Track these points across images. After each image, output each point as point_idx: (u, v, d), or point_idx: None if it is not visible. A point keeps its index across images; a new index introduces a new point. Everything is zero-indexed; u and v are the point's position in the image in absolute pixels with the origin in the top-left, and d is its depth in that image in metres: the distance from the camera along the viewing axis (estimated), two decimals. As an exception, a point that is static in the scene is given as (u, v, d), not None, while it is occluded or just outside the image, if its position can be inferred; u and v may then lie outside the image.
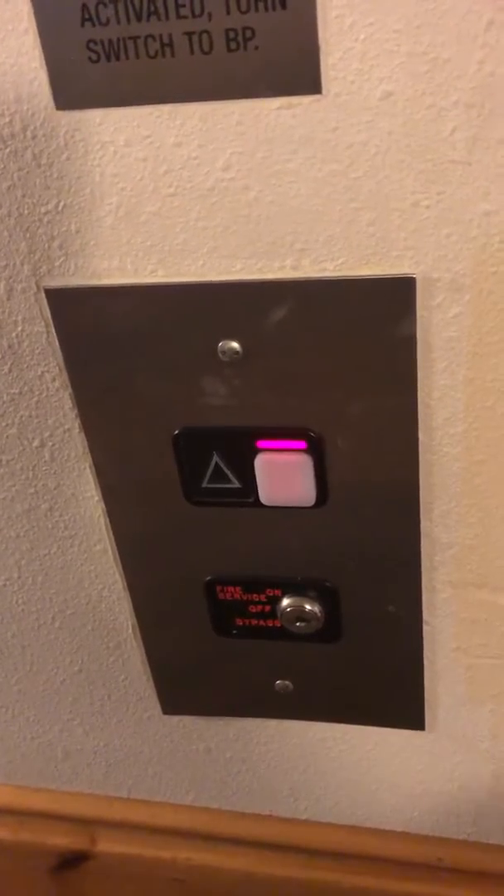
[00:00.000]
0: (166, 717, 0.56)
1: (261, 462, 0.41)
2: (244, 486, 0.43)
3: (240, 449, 0.42)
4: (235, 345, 0.38)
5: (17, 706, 0.58)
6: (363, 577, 0.45)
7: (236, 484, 0.43)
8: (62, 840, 0.63)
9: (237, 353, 0.38)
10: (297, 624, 0.47)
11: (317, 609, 0.46)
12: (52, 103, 0.34)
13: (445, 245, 0.34)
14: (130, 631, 0.51)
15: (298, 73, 0.32)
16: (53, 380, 0.41)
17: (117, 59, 0.32)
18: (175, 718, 0.56)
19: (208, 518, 0.45)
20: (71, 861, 0.63)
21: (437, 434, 0.39)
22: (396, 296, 0.36)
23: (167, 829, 0.62)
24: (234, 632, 0.49)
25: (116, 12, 0.32)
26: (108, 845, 0.63)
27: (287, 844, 0.60)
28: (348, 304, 0.36)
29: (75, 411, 0.42)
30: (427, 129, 0.32)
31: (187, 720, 0.56)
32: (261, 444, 0.41)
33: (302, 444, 0.41)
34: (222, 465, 0.42)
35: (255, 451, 0.41)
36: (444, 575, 0.44)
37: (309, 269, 0.36)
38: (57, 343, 0.40)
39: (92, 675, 0.55)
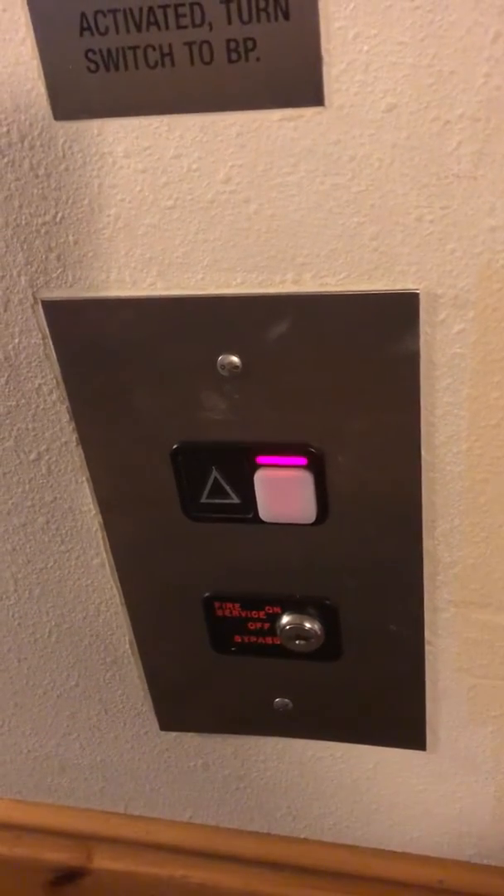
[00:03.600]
0: (164, 732, 0.55)
1: (260, 478, 0.41)
2: (243, 501, 0.42)
3: (239, 464, 0.41)
4: (235, 359, 0.38)
5: (14, 720, 0.58)
6: (364, 596, 0.44)
7: (235, 499, 0.42)
8: (58, 855, 0.62)
9: (237, 367, 0.38)
10: (297, 642, 0.46)
11: (316, 627, 0.46)
12: (50, 113, 0.33)
13: (450, 261, 0.34)
14: (128, 646, 0.51)
15: (301, 85, 0.31)
16: (50, 392, 0.41)
17: (116, 68, 0.32)
18: (172, 735, 0.55)
19: (207, 533, 0.44)
20: (67, 877, 0.63)
21: (440, 452, 0.39)
22: (399, 311, 0.35)
23: (164, 846, 0.61)
24: (233, 649, 0.48)
25: (115, 21, 0.31)
26: (104, 861, 0.62)
27: (285, 863, 0.59)
28: (350, 320, 0.36)
29: (72, 424, 0.42)
30: (432, 143, 0.31)
31: (185, 736, 0.55)
32: (260, 459, 0.40)
33: (302, 461, 0.40)
34: (221, 481, 0.42)
35: (255, 467, 0.41)
36: (446, 594, 0.43)
37: (310, 284, 0.35)
38: (54, 355, 0.39)
39: (89, 689, 0.54)
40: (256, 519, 0.42)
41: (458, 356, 0.36)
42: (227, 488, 0.42)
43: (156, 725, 0.55)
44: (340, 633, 0.46)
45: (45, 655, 0.53)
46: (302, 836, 0.59)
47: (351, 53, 0.30)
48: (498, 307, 0.34)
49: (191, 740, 0.56)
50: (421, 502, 0.40)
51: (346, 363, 0.37)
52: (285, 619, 0.46)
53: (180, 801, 0.60)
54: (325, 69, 0.31)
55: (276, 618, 0.46)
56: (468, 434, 0.38)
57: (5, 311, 0.38)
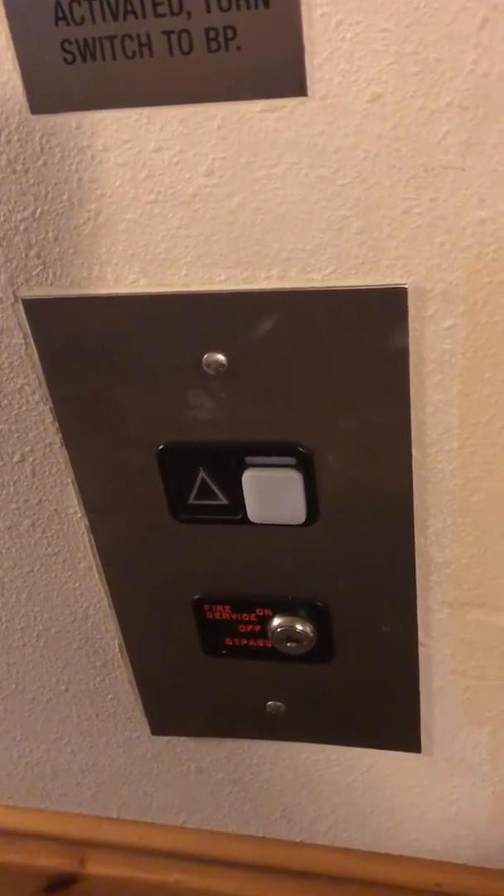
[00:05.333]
0: (156, 737, 0.54)
1: (249, 478, 0.40)
2: (232, 502, 0.41)
3: (227, 464, 0.40)
4: (221, 357, 0.37)
5: (4, 725, 0.57)
6: (356, 597, 0.44)
7: (224, 500, 0.41)
8: (51, 861, 0.62)
9: (223, 365, 0.37)
10: (288, 644, 0.45)
11: (308, 629, 0.45)
12: (26, 106, 0.32)
13: (438, 254, 0.33)
14: (117, 650, 0.50)
15: (283, 75, 0.30)
16: (33, 393, 0.40)
17: (93, 59, 0.31)
18: (165, 738, 0.55)
19: (195, 535, 0.43)
20: (60, 883, 0.62)
21: (432, 450, 0.38)
22: (387, 307, 0.34)
23: (158, 851, 0.61)
24: (224, 652, 0.47)
25: (91, 10, 0.30)
26: (97, 867, 0.61)
27: (281, 867, 0.59)
28: (338, 316, 0.35)
29: (56, 425, 0.41)
30: (418, 133, 0.31)
31: (177, 740, 0.55)
32: (249, 459, 0.40)
33: (291, 460, 0.39)
34: (209, 481, 0.41)
35: (243, 467, 0.40)
36: (439, 595, 0.43)
37: (296, 280, 0.34)
38: (36, 355, 0.38)
39: (79, 694, 0.53)
40: (245, 520, 0.41)
41: (449, 352, 0.35)
42: (215, 489, 0.41)
43: (147, 729, 0.54)
44: (333, 635, 0.45)
45: (33, 660, 0.52)
46: (297, 840, 0.59)
47: (334, 41, 0.29)
48: (488, 301, 0.33)
49: (183, 744, 0.55)
50: (412, 501, 0.39)
51: (334, 360, 0.36)
52: (276, 621, 0.45)
53: (174, 806, 0.59)
54: (307, 58, 0.30)
55: (267, 620, 0.45)
56: (460, 431, 0.37)
57: (-15, 310, 0.38)
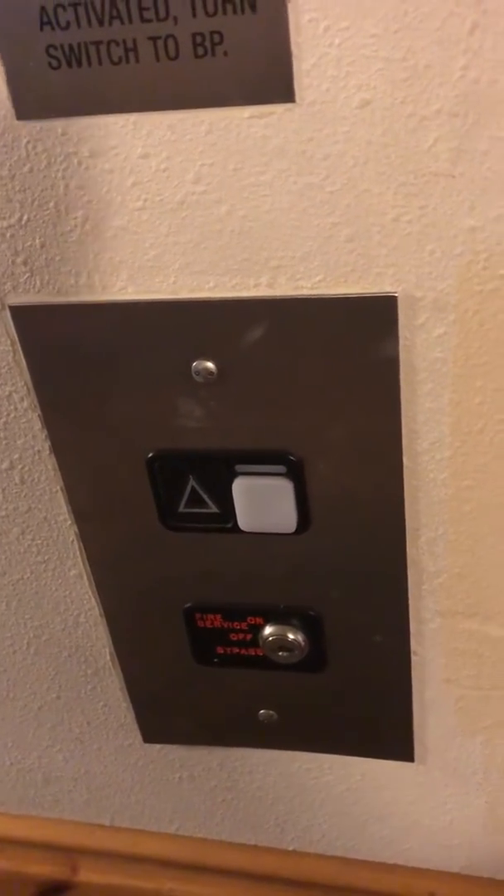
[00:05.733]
0: (148, 744, 0.54)
1: (239, 486, 0.39)
2: (222, 510, 0.41)
3: (217, 472, 0.40)
4: (210, 365, 0.36)
5: (-5, 732, 0.56)
6: (348, 606, 0.43)
7: (214, 509, 0.41)
8: (43, 869, 0.61)
9: (212, 373, 0.37)
10: (280, 653, 0.45)
11: (300, 638, 0.44)
12: (12, 112, 0.32)
13: (429, 262, 0.32)
14: (108, 658, 0.49)
15: (270, 80, 0.30)
16: (21, 400, 0.39)
17: (79, 65, 0.31)
18: (157, 746, 0.54)
19: (186, 543, 0.43)
20: (52, 891, 0.61)
21: (423, 459, 0.37)
22: (377, 315, 0.34)
23: (151, 859, 0.60)
24: (215, 660, 0.47)
25: (77, 15, 0.30)
26: (90, 875, 0.61)
27: (274, 876, 0.58)
28: (327, 324, 0.34)
29: (45, 432, 0.40)
30: (408, 140, 0.30)
31: (170, 748, 0.54)
32: (239, 467, 0.39)
33: (281, 468, 0.39)
34: (199, 490, 0.40)
35: (233, 475, 0.39)
36: (432, 604, 0.42)
37: (285, 287, 0.34)
38: (24, 362, 0.38)
39: (70, 701, 0.53)
40: (236, 528, 0.41)
41: (440, 361, 0.35)
42: (205, 497, 0.41)
43: (139, 737, 0.53)
44: (325, 644, 0.45)
45: (24, 667, 0.51)
46: (291, 849, 0.58)
47: (322, 47, 0.29)
48: (479, 310, 0.33)
49: (176, 752, 0.54)
50: (404, 510, 0.39)
51: (325, 368, 0.36)
52: (268, 630, 0.45)
53: (166, 813, 0.59)
54: (295, 63, 0.29)
55: (258, 629, 0.45)
56: (451, 440, 0.37)
57: (-28, 317, 0.37)
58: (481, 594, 0.41)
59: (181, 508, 0.41)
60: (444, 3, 0.28)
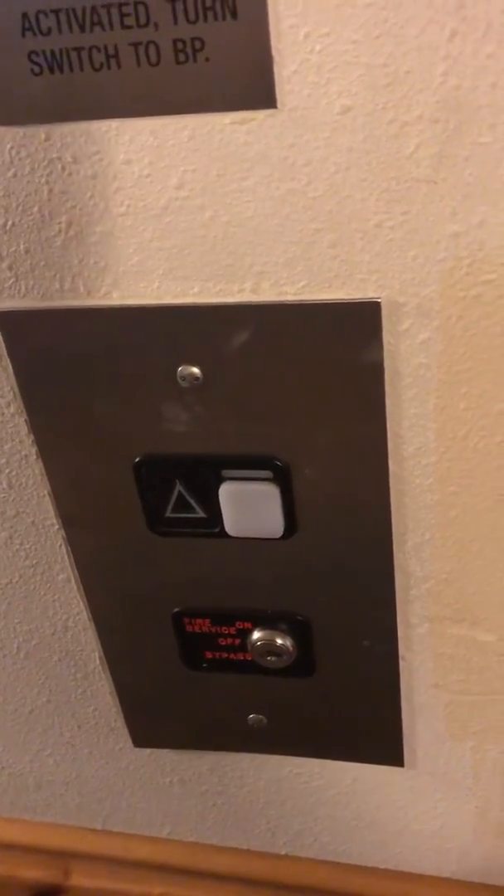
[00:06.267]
0: (138, 749, 0.54)
1: (226, 491, 0.39)
2: (209, 515, 0.41)
3: (204, 478, 0.40)
4: (195, 370, 0.36)
5: (-14, 736, 0.56)
6: (336, 611, 0.43)
7: (201, 514, 0.41)
8: (35, 873, 0.61)
9: (197, 378, 0.37)
10: (269, 658, 0.45)
11: (288, 643, 0.44)
12: (-5, 118, 0.32)
13: (412, 268, 0.32)
14: (98, 662, 0.49)
15: (252, 87, 0.30)
16: (8, 405, 0.39)
17: (61, 71, 0.31)
18: (147, 751, 0.54)
19: (173, 548, 0.43)
20: (44, 895, 0.61)
21: (409, 464, 0.37)
22: (361, 321, 0.34)
23: (143, 863, 0.60)
24: (204, 665, 0.47)
25: (58, 22, 0.30)
26: (82, 879, 0.61)
27: (265, 880, 0.58)
28: (311, 330, 0.34)
29: (31, 437, 0.40)
30: (389, 146, 0.30)
31: (160, 752, 0.54)
32: (225, 472, 0.39)
33: (268, 474, 0.39)
34: (186, 495, 0.40)
35: (220, 480, 0.39)
36: (420, 609, 0.42)
37: (269, 293, 0.34)
38: (10, 367, 0.38)
39: (60, 705, 0.53)
40: (223, 533, 0.41)
41: (424, 366, 0.34)
42: (192, 502, 0.40)
43: (130, 741, 0.53)
44: (313, 648, 0.45)
45: (14, 672, 0.51)
46: (282, 853, 0.58)
47: (302, 53, 0.29)
48: (463, 316, 0.33)
49: (166, 756, 0.54)
50: (390, 515, 0.39)
51: (310, 374, 0.36)
52: (256, 634, 0.45)
53: (158, 818, 0.59)
54: (276, 70, 0.29)
55: (246, 633, 0.45)
56: (436, 446, 0.37)
57: (-43, 322, 0.37)
58: (468, 599, 0.41)
59: (168, 513, 0.41)
60: (425, 10, 0.28)
